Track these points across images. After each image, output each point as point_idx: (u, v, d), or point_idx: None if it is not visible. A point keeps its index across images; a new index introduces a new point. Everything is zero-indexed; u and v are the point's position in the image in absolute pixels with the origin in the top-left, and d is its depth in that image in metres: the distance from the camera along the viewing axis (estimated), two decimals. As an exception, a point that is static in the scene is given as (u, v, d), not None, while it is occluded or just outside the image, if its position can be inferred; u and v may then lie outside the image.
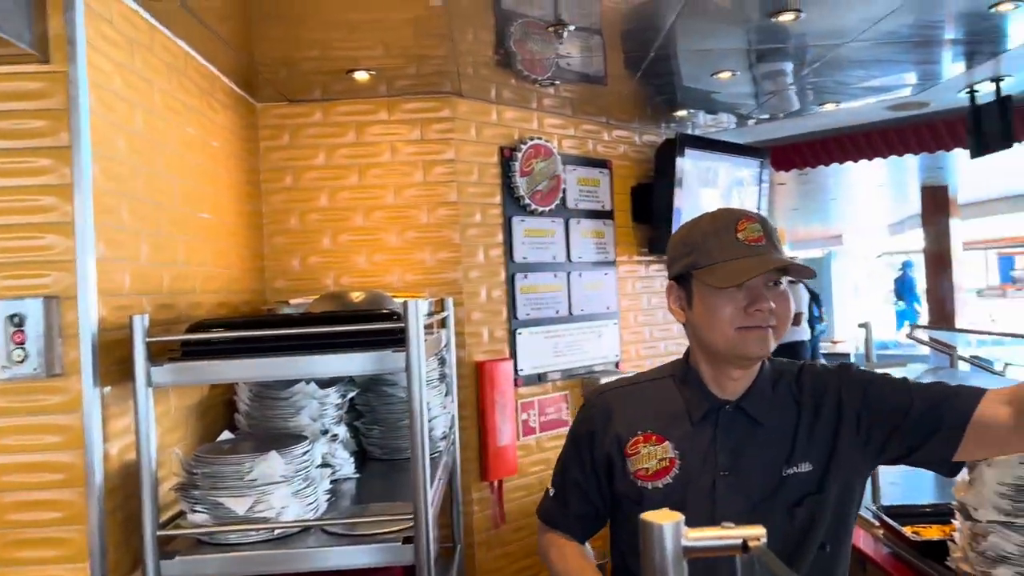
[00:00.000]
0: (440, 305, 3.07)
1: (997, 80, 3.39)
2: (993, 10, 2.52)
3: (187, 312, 2.30)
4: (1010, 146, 3.42)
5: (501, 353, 3.32)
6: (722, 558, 0.69)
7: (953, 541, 1.96)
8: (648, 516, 0.68)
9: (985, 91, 3.49)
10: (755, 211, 1.43)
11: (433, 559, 1.89)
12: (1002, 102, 3.42)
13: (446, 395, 3.01)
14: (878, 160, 4.70)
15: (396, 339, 1.85)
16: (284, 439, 2.10)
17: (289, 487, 1.93)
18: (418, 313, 1.84)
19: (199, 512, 1.87)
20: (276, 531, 1.90)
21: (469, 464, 3.18)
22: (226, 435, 2.20)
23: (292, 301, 2.76)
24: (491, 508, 3.23)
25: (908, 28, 2.71)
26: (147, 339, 1.80)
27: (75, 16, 1.73)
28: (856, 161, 4.72)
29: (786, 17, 2.49)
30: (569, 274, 3.63)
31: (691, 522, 1.22)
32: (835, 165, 4.93)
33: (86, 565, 1.70)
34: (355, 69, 2.84)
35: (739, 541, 0.67)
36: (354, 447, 2.82)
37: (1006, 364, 3.04)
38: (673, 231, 3.87)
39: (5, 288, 1.70)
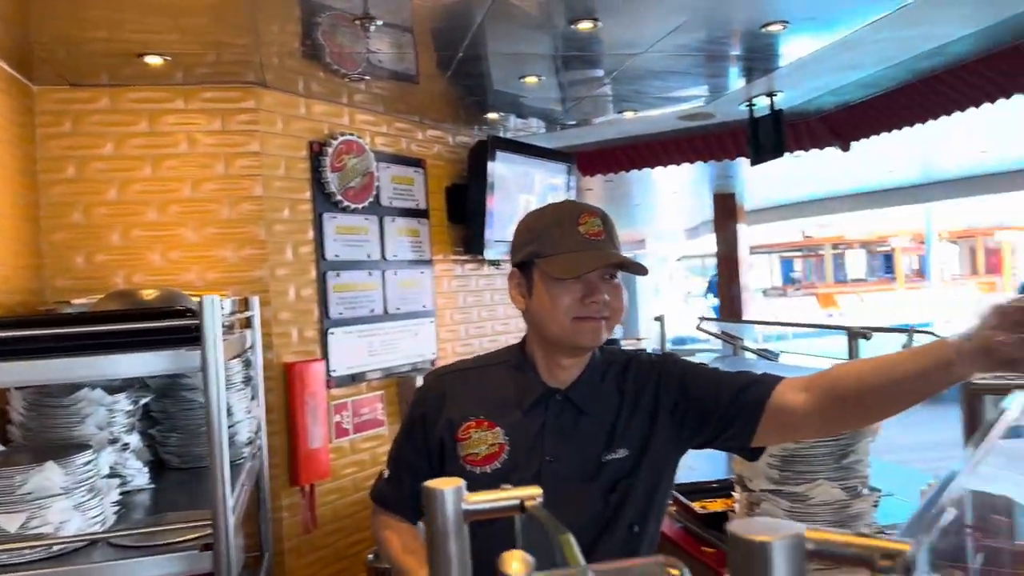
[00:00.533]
0: (244, 304, 2.94)
1: (771, 95, 3.75)
2: (765, 30, 2.78)
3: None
4: (782, 155, 3.79)
5: (312, 354, 3.23)
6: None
7: (733, 511, 2.14)
8: (429, 483, 0.69)
9: (762, 105, 3.85)
10: (597, 207, 1.49)
11: (235, 567, 1.80)
12: (776, 115, 3.79)
13: (252, 399, 2.89)
14: (672, 167, 5.04)
15: (191, 337, 1.75)
16: (65, 450, 1.92)
17: (69, 500, 1.77)
18: (215, 309, 1.75)
19: (-38, 533, 1.67)
20: (55, 548, 1.73)
21: (278, 470, 3.07)
22: (-4, 448, 1.98)
23: (75, 301, 2.53)
24: (302, 513, 3.13)
25: (695, 42, 2.94)
26: None
27: None
28: (652, 167, 5.04)
29: (585, 25, 2.62)
30: (384, 272, 3.59)
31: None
32: (636, 172, 5.24)
33: None
34: (147, 53, 2.65)
35: (517, 502, 0.69)
36: (149, 456, 2.64)
37: (780, 352, 3.37)
38: (486, 232, 3.97)
39: None
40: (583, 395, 1.49)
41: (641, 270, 1.45)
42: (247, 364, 2.88)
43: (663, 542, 2.42)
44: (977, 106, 3.61)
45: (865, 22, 2.74)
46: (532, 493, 0.70)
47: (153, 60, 2.69)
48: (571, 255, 1.41)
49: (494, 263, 4.33)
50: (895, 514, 2.21)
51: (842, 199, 10.45)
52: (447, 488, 0.69)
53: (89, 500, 1.84)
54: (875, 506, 2.21)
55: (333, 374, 3.30)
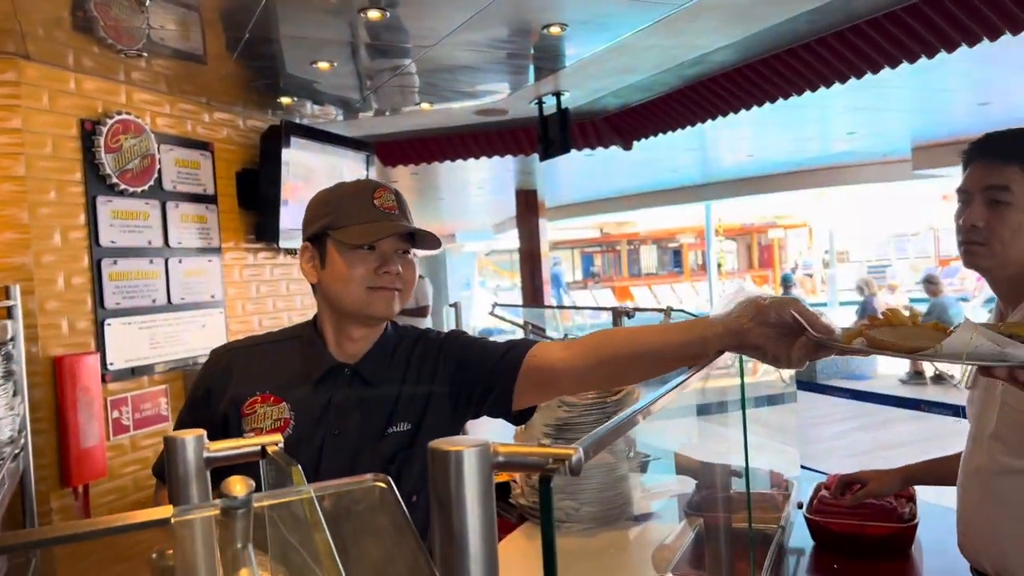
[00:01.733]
0: (4, 293, 2.71)
1: (558, 94, 3.97)
2: (546, 31, 2.95)
3: None
4: (568, 151, 4.03)
5: (85, 346, 3.02)
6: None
7: (515, 481, 2.28)
8: (171, 433, 0.72)
9: (550, 103, 4.06)
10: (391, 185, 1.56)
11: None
12: (562, 113, 4.01)
13: (14, 395, 2.67)
14: (473, 161, 5.19)
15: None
16: None
17: None
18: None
19: None
20: None
21: (46, 471, 2.85)
22: None
23: None
24: (75, 515, 2.93)
25: (485, 39, 3.06)
26: None
27: None
28: (452, 160, 5.16)
29: (374, 14, 2.65)
30: (168, 260, 3.42)
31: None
32: (441, 165, 5.34)
33: None
34: None
35: (258, 448, 0.73)
36: None
37: (566, 334, 3.60)
38: (282, 219, 3.89)
39: None
40: (372, 369, 1.52)
41: (434, 242, 1.50)
42: (7, 358, 2.65)
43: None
44: (737, 111, 4.04)
45: (635, 30, 2.99)
46: (273, 439, 0.74)
47: None
48: (367, 225, 1.45)
49: (291, 252, 4.25)
50: (663, 470, 2.44)
51: (634, 197, 11.19)
52: (188, 436, 0.71)
53: None
54: (642, 469, 2.44)
55: (110, 367, 3.11)
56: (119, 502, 3.12)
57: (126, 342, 3.19)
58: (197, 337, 3.56)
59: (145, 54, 2.96)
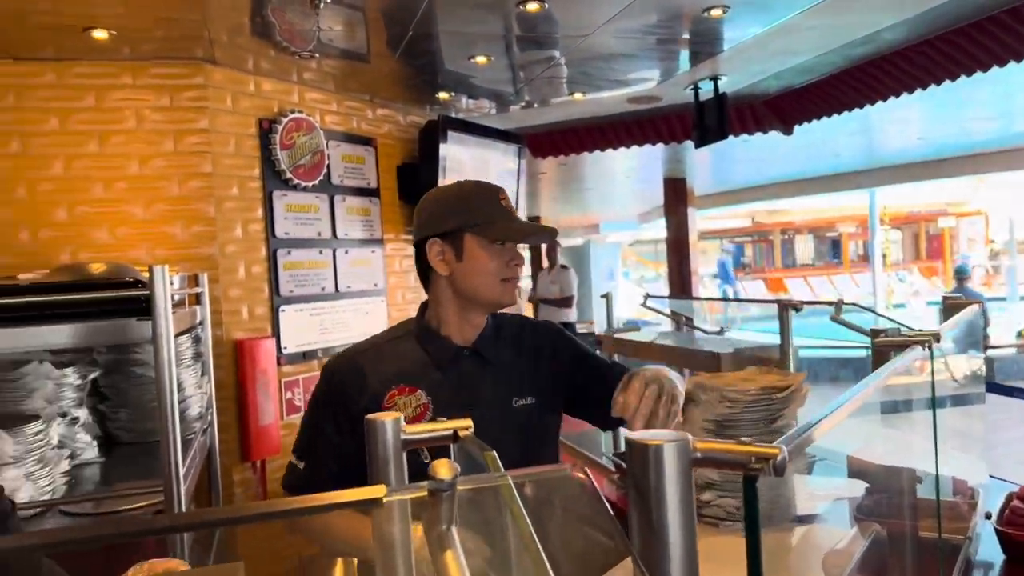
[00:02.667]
0: (194, 281, 2.95)
1: (716, 79, 3.85)
2: (707, 14, 2.87)
3: None
4: (725, 137, 3.91)
5: (263, 331, 3.25)
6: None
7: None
8: (371, 416, 0.75)
9: (707, 88, 3.95)
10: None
11: (187, 537, 1.84)
12: (719, 98, 3.89)
13: (202, 375, 2.91)
14: (622, 150, 5.13)
15: (141, 308, 1.77)
16: (14, 421, 1.93)
17: (20, 468, 1.79)
18: (164, 280, 1.78)
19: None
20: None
21: (229, 445, 3.09)
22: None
23: (22, 276, 2.51)
24: (254, 488, 3.16)
25: (642, 25, 3.01)
26: None
27: None
28: (602, 150, 5.13)
29: (533, 6, 2.67)
30: (335, 251, 3.62)
31: (443, 453, 1.39)
32: (588, 156, 5.32)
33: None
34: (93, 27, 2.64)
35: (451, 432, 0.76)
36: (98, 431, 2.65)
37: (722, 328, 3.50)
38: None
39: None
40: (488, 349, 1.67)
41: (554, 236, 1.74)
42: (197, 340, 2.89)
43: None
44: (910, 92, 3.77)
45: (800, 9, 2.85)
46: (464, 424, 0.77)
47: (99, 34, 2.68)
48: (506, 224, 1.60)
49: (446, 243, 4.37)
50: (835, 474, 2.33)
51: (790, 184, 10.70)
52: (387, 419, 0.75)
53: (39, 470, 1.86)
54: (807, 469, 2.33)
55: (284, 351, 3.32)
56: (292, 477, 3.33)
57: (298, 327, 3.39)
58: (361, 324, 3.74)
59: (316, 55, 3.13)
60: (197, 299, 2.94)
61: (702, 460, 0.60)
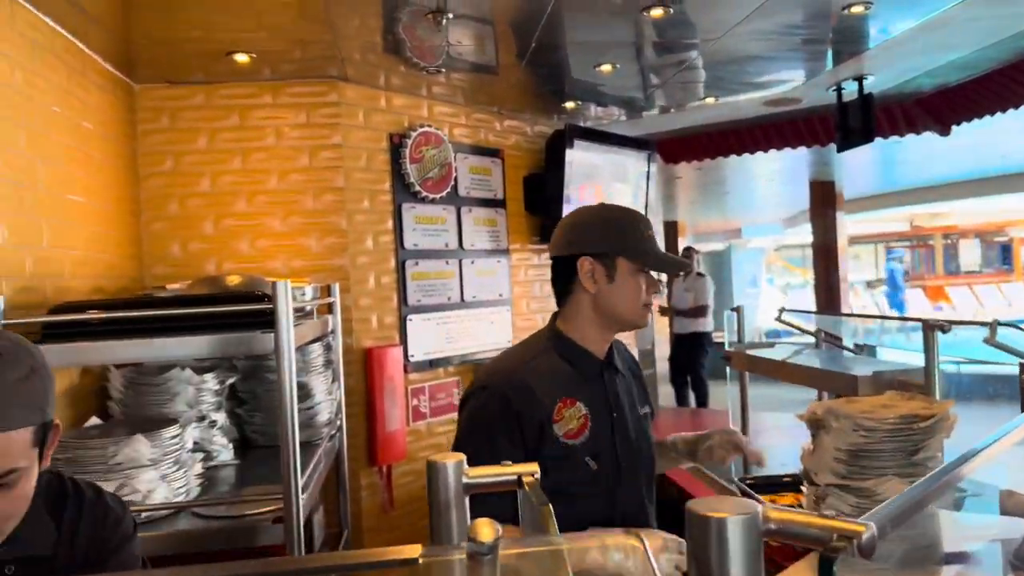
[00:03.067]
0: (326, 291, 3.06)
1: (860, 78, 3.60)
2: (847, 11, 2.68)
3: (54, 297, 2.23)
4: (871, 140, 3.65)
5: (391, 339, 3.33)
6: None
7: (801, 506, 2.10)
8: (434, 457, 0.73)
9: (850, 88, 3.70)
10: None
11: (316, 541, 1.90)
12: (865, 99, 3.64)
13: (332, 381, 3.01)
14: (760, 154, 4.91)
15: (266, 321, 1.85)
16: (154, 424, 2.06)
17: (156, 471, 1.90)
18: (287, 295, 1.84)
19: (63, 498, 1.83)
20: (144, 514, 1.87)
21: (357, 450, 3.19)
22: (94, 421, 2.15)
23: (169, 286, 2.70)
24: (380, 493, 3.24)
25: (776, 26, 2.86)
26: (3, 321, 1.75)
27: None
28: (739, 154, 4.93)
29: (657, 12, 2.59)
30: (461, 261, 3.67)
31: (604, 459, 1.62)
32: (726, 159, 5.14)
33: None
34: (235, 51, 2.79)
35: (514, 477, 0.72)
36: (235, 434, 2.80)
37: (864, 345, 3.25)
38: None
39: None
40: (615, 363, 1.81)
41: (689, 268, 1.84)
42: (327, 348, 3.00)
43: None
44: (1090, 85, 3.39)
45: (953, 3, 2.61)
46: (529, 470, 0.73)
47: (241, 58, 2.83)
48: (657, 254, 1.73)
49: (573, 252, 4.34)
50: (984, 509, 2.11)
51: (952, 186, 9.93)
52: (450, 462, 0.72)
53: (174, 472, 1.97)
54: (955, 506, 2.13)
55: (411, 359, 3.40)
56: (416, 483, 3.41)
57: (424, 336, 3.46)
58: (486, 333, 3.78)
59: (444, 69, 3.18)
60: (329, 308, 3.05)
61: (774, 532, 0.53)
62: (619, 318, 1.72)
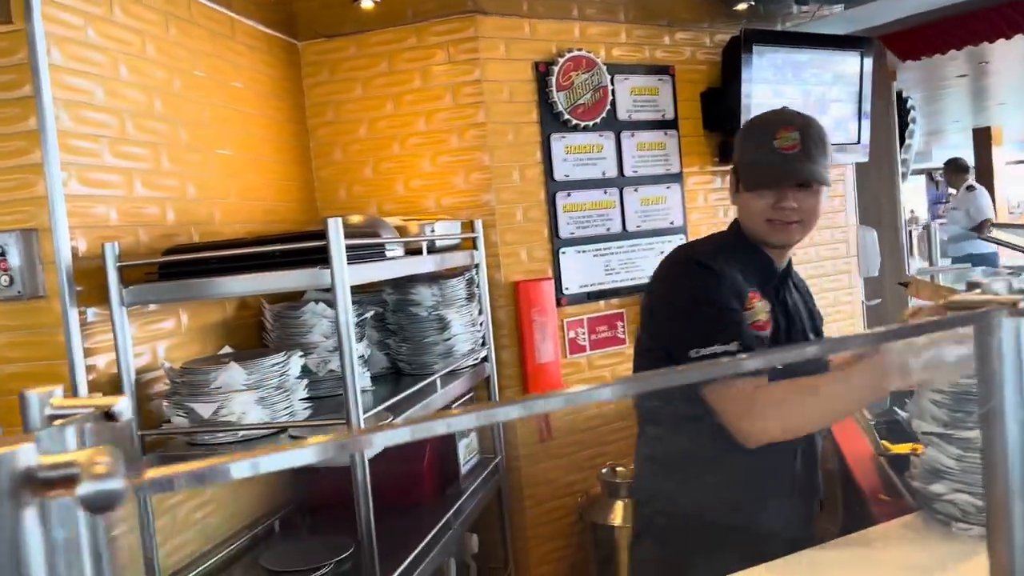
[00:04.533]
0: (469, 227, 3.13)
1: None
2: None
3: (204, 240, 2.54)
4: None
5: (542, 273, 3.32)
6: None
7: (916, 455, 1.77)
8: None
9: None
10: (805, 117, 1.70)
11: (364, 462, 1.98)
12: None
13: (479, 313, 3.10)
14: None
15: (322, 259, 1.95)
16: (260, 353, 2.27)
17: (252, 394, 2.12)
18: (338, 232, 1.93)
19: (179, 416, 2.12)
20: (240, 434, 2.10)
21: (510, 380, 3.26)
22: (227, 349, 2.44)
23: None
24: (537, 422, 3.29)
25: None
26: (118, 264, 2.04)
27: (28, -24, 1.94)
28: (991, 41, 4.10)
29: None
30: (622, 190, 3.52)
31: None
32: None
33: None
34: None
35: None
36: (386, 363, 3.01)
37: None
38: (745, 137, 3.63)
39: (-13, 223, 1.98)
40: (794, 276, 1.87)
41: (823, 180, 1.66)
42: (470, 282, 3.09)
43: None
44: None
45: None
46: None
47: (366, 4, 2.93)
48: (760, 168, 1.66)
49: (766, 172, 3.96)
50: None
51: None
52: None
53: (275, 395, 2.18)
54: None
55: (566, 292, 3.36)
56: (578, 415, 3.40)
57: (580, 269, 3.40)
58: (655, 263, 3.59)
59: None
60: (473, 243, 3.12)
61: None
62: (750, 232, 1.74)
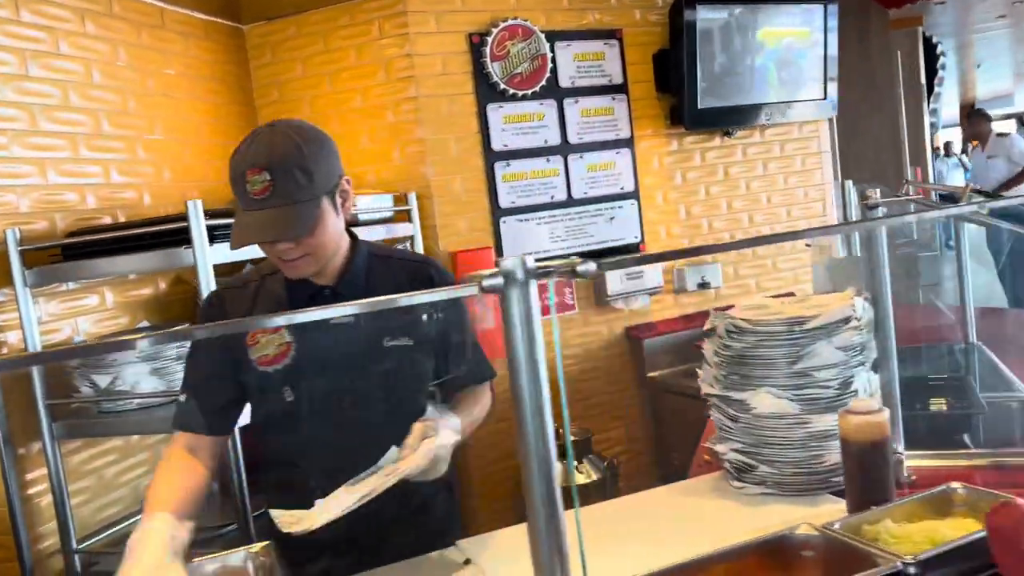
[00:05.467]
0: (403, 200, 3.22)
1: None
2: None
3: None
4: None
5: (482, 243, 3.38)
6: None
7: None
8: None
9: None
10: (276, 147, 1.44)
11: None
12: None
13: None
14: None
15: (186, 239, 2.08)
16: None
17: (146, 365, 2.28)
18: (198, 214, 2.05)
19: (85, 387, 2.30)
20: (135, 403, 2.27)
21: (452, 348, 3.35)
22: (143, 323, 2.62)
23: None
24: (479, 389, 3.38)
25: None
26: (20, 248, 2.22)
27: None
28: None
29: None
30: (566, 157, 3.53)
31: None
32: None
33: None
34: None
35: None
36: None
37: None
38: (697, 99, 3.59)
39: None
40: (348, 290, 1.59)
41: (299, 230, 1.44)
42: (403, 254, 3.18)
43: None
44: None
45: None
46: None
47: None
48: (239, 221, 1.47)
49: (727, 133, 3.90)
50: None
51: None
52: None
53: (174, 365, 2.34)
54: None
55: (507, 260, 3.42)
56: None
57: (522, 238, 3.45)
58: (605, 230, 3.62)
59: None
60: (407, 216, 3.22)
61: None
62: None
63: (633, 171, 3.69)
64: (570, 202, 3.55)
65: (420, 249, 3.23)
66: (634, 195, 3.70)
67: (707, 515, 1.50)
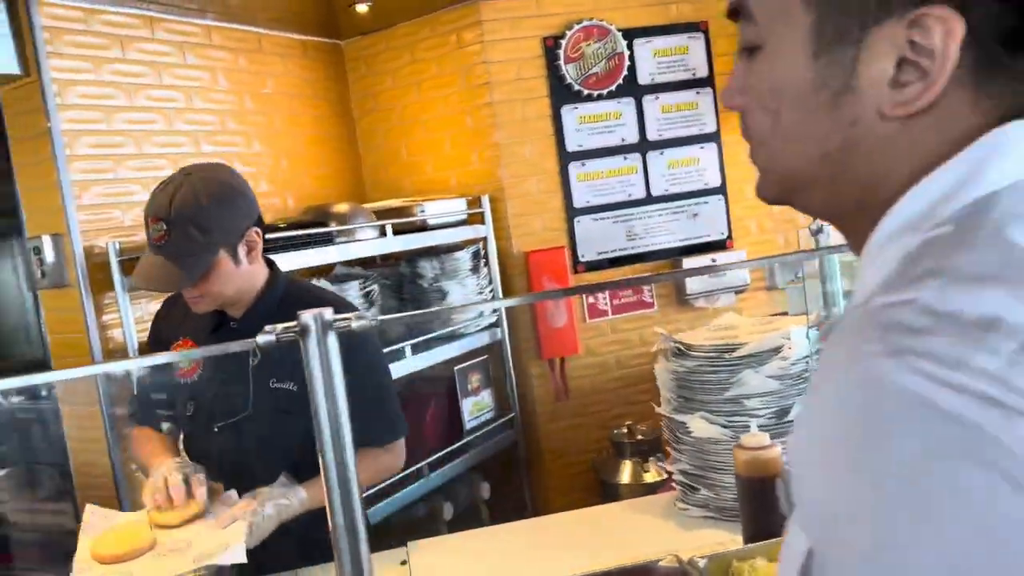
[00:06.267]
0: (476, 203, 3.37)
1: None
2: None
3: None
4: None
5: (555, 242, 3.46)
6: None
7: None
8: None
9: None
10: (176, 198, 1.54)
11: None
12: None
13: (489, 283, 3.36)
14: None
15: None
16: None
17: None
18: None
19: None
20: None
21: (527, 343, 3.47)
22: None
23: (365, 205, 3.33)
24: (552, 383, 3.48)
25: None
26: (120, 258, 2.60)
27: (36, 35, 2.52)
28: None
29: None
30: (645, 155, 3.52)
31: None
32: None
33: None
34: (356, 2, 3.22)
35: None
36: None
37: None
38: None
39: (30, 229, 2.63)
40: (248, 325, 1.59)
41: (171, 286, 1.61)
42: (475, 255, 3.35)
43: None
44: None
45: None
46: None
47: (361, 8, 3.25)
48: (144, 257, 1.62)
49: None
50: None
51: None
52: None
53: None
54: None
55: (582, 259, 3.48)
56: (600, 376, 3.54)
57: (597, 237, 3.48)
58: (687, 227, 3.58)
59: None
60: (481, 218, 3.37)
61: None
62: None
63: (719, 165, 3.61)
64: (648, 200, 3.54)
65: (493, 250, 3.37)
66: (720, 190, 3.62)
67: (630, 535, 1.53)
